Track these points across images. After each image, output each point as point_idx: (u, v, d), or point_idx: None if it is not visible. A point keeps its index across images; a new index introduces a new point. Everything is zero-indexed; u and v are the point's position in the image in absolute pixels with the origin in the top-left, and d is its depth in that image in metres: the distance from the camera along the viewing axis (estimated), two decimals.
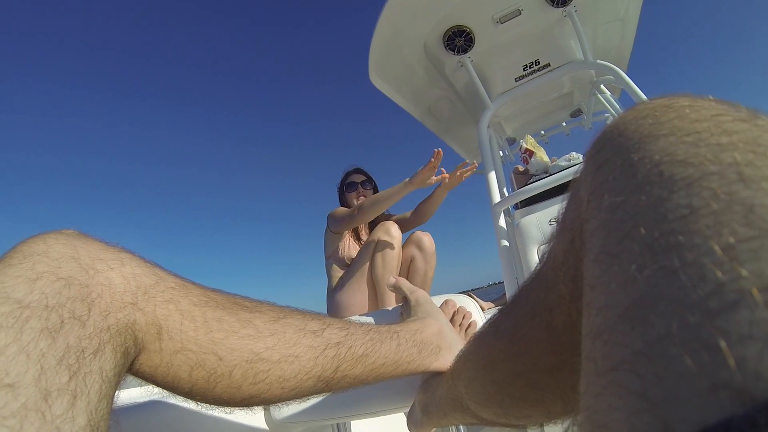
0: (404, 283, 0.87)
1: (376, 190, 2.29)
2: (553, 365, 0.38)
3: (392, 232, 1.96)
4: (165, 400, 0.77)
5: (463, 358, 0.54)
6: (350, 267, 2.03)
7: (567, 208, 0.31)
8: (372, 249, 1.94)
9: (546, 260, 0.36)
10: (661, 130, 0.22)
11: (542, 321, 0.37)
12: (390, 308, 0.93)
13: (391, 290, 0.89)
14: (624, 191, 0.21)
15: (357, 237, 2.20)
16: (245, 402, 0.47)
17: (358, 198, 2.19)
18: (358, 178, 2.25)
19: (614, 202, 0.21)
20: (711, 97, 0.24)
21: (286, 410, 0.84)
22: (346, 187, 2.25)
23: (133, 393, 1.00)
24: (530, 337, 0.39)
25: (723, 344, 0.14)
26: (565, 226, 0.31)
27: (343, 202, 2.27)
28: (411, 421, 0.74)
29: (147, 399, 0.85)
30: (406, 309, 0.81)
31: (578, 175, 0.28)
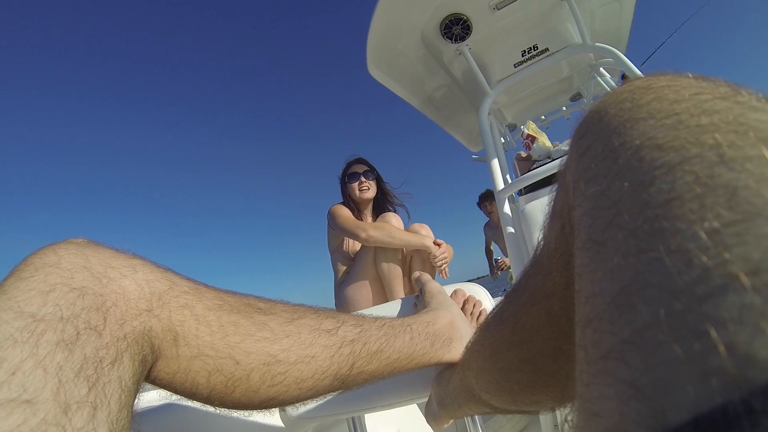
0: (423, 275, 0.89)
1: (379, 180, 2.25)
2: (556, 351, 0.38)
3: (393, 224, 1.93)
4: (180, 402, 0.78)
5: (471, 349, 0.54)
6: (355, 261, 2.01)
7: (556, 195, 0.31)
8: (374, 246, 1.92)
9: (542, 247, 0.36)
10: (640, 113, 0.22)
11: (542, 308, 0.37)
12: (404, 298, 0.93)
13: (417, 284, 0.90)
14: (606, 178, 0.21)
15: None
16: (264, 404, 0.47)
17: (360, 189, 2.15)
18: (360, 168, 2.20)
19: (598, 190, 0.21)
20: (690, 74, 0.23)
21: (300, 407, 0.84)
22: (348, 178, 2.19)
23: (148, 397, 1.01)
24: (531, 324, 0.39)
25: (712, 330, 0.14)
26: (555, 213, 0.31)
27: (345, 193, 2.23)
28: (429, 414, 0.74)
29: (162, 402, 0.85)
30: (420, 300, 0.82)
31: (564, 161, 0.28)
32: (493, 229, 4.31)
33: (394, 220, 1.98)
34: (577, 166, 0.24)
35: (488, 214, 4.30)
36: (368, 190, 2.17)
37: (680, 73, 0.24)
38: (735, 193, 0.16)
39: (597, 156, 0.22)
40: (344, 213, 2.06)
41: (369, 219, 2.22)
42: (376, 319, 0.59)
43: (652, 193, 0.18)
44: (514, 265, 1.59)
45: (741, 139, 0.18)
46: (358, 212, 2.17)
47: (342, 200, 2.23)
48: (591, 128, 0.24)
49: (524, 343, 0.40)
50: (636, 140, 0.21)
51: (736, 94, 0.20)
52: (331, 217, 2.09)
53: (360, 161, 2.25)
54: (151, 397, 0.98)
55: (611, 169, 0.21)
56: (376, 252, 1.91)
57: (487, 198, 4.23)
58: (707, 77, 0.23)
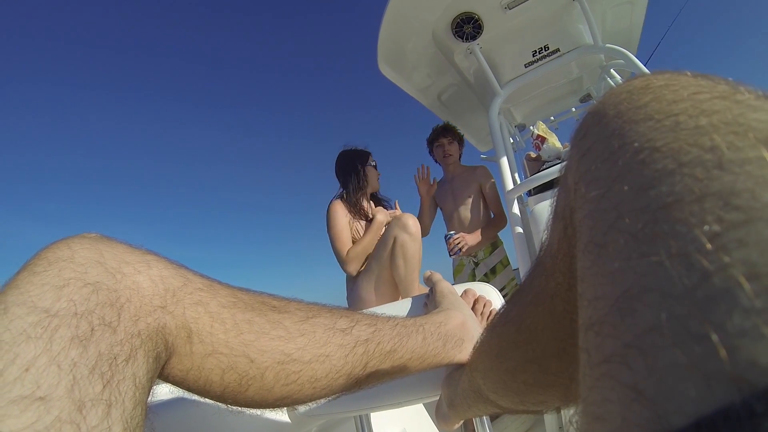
0: (434, 275, 0.89)
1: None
2: (560, 351, 0.38)
3: (410, 228, 1.82)
4: (188, 397, 0.78)
5: (478, 350, 0.54)
6: (368, 261, 1.96)
7: (558, 196, 0.30)
8: (390, 246, 1.83)
9: (545, 248, 0.36)
10: (639, 114, 0.22)
11: (545, 309, 0.37)
12: (414, 297, 0.93)
13: (427, 284, 0.89)
14: (607, 181, 0.21)
15: (365, 217, 2.11)
16: (277, 403, 0.47)
17: (378, 180, 2.19)
18: (374, 161, 2.20)
19: (598, 193, 0.21)
20: (689, 73, 0.23)
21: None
22: (371, 168, 2.17)
23: (159, 391, 1.01)
24: (536, 324, 0.39)
25: (713, 334, 0.14)
26: (557, 214, 0.31)
27: (361, 177, 2.14)
28: (439, 415, 0.74)
29: (172, 396, 0.85)
30: (431, 300, 0.82)
31: (566, 163, 0.28)
32: (445, 185, 2.63)
33: (411, 223, 1.86)
34: (577, 168, 0.24)
35: (443, 158, 2.58)
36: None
37: (679, 71, 0.24)
38: (734, 196, 0.16)
39: (597, 158, 0.22)
40: (340, 222, 2.03)
41: (371, 207, 2.17)
42: (389, 318, 0.59)
43: (652, 196, 0.18)
44: (522, 266, 1.59)
45: (740, 140, 0.17)
46: (364, 201, 2.13)
47: (342, 192, 2.16)
48: (591, 130, 0.24)
49: (529, 343, 0.40)
50: (635, 142, 0.20)
51: (734, 92, 0.20)
52: (328, 218, 2.05)
53: (368, 154, 2.24)
54: (161, 391, 0.98)
55: (611, 172, 0.21)
56: (395, 255, 1.82)
57: (447, 133, 2.59)
58: (706, 75, 0.23)
